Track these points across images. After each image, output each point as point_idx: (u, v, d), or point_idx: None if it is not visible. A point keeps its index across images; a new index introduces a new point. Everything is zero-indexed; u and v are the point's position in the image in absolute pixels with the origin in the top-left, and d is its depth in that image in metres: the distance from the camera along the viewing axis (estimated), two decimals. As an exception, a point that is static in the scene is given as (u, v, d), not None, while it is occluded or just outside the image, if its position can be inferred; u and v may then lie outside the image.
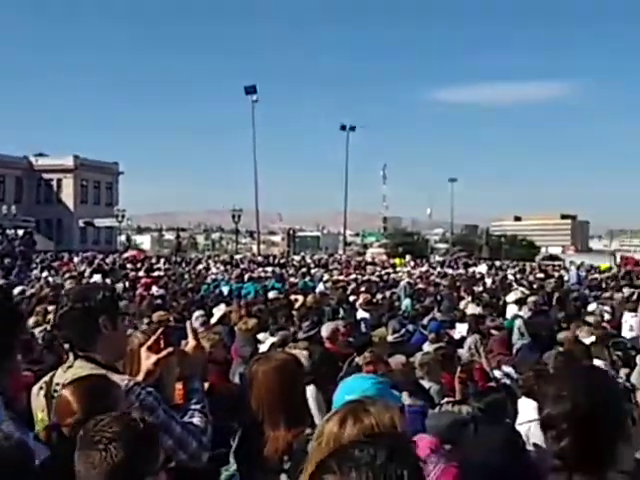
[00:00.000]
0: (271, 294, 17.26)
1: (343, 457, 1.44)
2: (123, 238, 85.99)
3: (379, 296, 17.73)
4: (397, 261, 51.02)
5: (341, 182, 75.86)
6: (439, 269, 41.46)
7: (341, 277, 29.42)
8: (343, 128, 74.20)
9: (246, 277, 25.20)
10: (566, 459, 2.03)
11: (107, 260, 34.40)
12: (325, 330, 9.37)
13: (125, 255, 43.26)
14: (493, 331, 10.40)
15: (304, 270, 33.73)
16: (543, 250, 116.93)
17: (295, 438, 3.04)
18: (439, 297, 18.80)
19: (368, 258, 57.94)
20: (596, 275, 32.84)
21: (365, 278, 28.16)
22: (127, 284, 21.75)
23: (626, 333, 12.98)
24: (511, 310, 14.58)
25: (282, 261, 46.15)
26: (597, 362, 8.35)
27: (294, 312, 12.44)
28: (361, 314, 13.83)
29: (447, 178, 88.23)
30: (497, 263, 50.69)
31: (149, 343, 3.23)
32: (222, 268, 34.55)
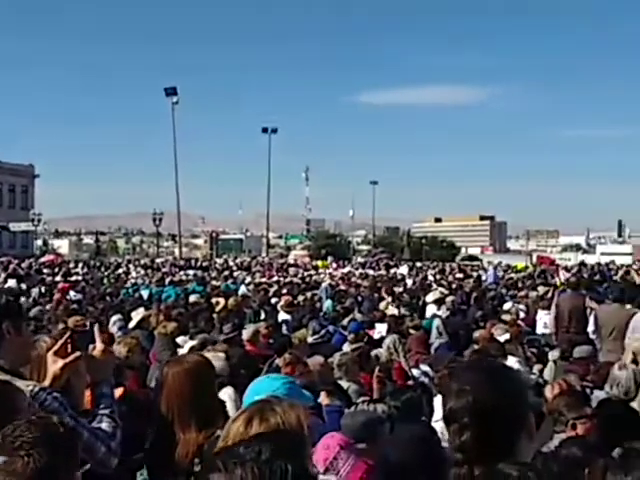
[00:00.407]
0: (192, 297, 17.10)
1: (228, 455, 1.43)
2: (40, 242, 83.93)
3: (301, 298, 17.75)
4: (320, 263, 51.30)
5: (264, 185, 75.71)
6: (361, 270, 41.81)
7: (263, 279, 29.42)
8: (265, 130, 74.17)
9: (167, 281, 24.92)
10: (467, 452, 2.06)
11: (23, 265, 33.43)
12: (246, 332, 9.37)
13: (42, 260, 42.12)
14: (412, 331, 10.54)
15: (226, 273, 33.56)
16: (463, 251, 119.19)
17: (206, 440, 3.02)
18: (360, 298, 18.97)
19: (291, 260, 58.04)
20: (512, 275, 33.66)
21: (287, 280, 28.22)
22: (43, 289, 21.24)
23: (540, 330, 13.34)
24: (430, 310, 14.83)
25: (204, 264, 45.81)
26: (511, 359, 8.57)
27: (215, 315, 12.37)
28: (283, 316, 13.85)
29: (369, 180, 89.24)
30: (418, 264, 51.37)
31: (55, 348, 3.15)
32: (142, 272, 34.07)
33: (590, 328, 10.36)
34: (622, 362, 6.03)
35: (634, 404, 5.83)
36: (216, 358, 5.67)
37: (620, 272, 26.77)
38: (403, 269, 40.57)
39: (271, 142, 74.57)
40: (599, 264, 34.70)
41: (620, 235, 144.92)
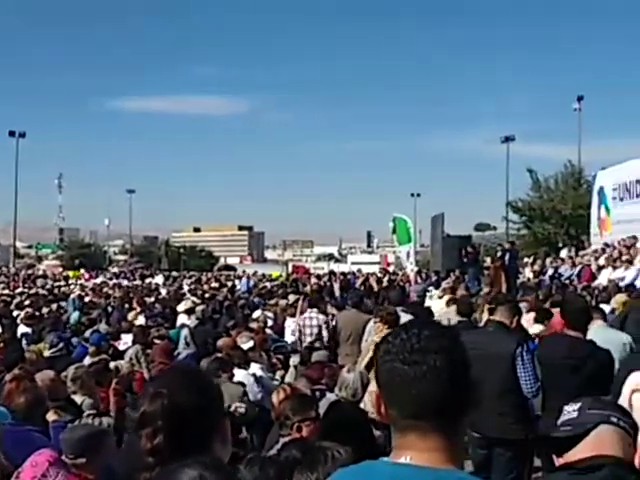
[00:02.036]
0: None
1: None
2: None
3: (45, 310, 16.89)
4: (71, 273, 49.33)
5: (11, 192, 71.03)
6: (115, 281, 40.71)
7: (6, 291, 27.69)
8: (12, 134, 69.66)
9: None
10: (159, 456, 2.03)
11: None
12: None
13: None
14: (157, 341, 10.36)
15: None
16: (222, 260, 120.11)
17: None
18: (110, 309, 18.43)
19: (40, 271, 55.17)
20: (267, 283, 34.39)
21: (33, 291, 26.77)
22: None
23: (288, 337, 13.69)
24: (181, 319, 14.70)
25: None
26: (254, 365, 8.71)
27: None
28: (23, 329, 13.11)
29: (126, 189, 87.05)
30: (175, 273, 50.97)
31: None
32: None
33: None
34: (350, 365, 6.31)
35: (362, 405, 6.15)
36: None
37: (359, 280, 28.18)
38: (158, 279, 40.07)
39: (19, 147, 70.09)
40: (343, 273, 36.45)
41: (369, 245, 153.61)
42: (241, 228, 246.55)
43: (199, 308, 15.18)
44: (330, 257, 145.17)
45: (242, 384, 7.54)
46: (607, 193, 27.76)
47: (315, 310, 11.31)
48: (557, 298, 11.95)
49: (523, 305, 11.01)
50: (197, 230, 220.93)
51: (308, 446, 3.31)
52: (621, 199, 26.62)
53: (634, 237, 21.63)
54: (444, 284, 12.99)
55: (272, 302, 19.18)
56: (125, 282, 38.86)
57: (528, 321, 10.24)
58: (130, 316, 15.32)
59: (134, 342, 10.54)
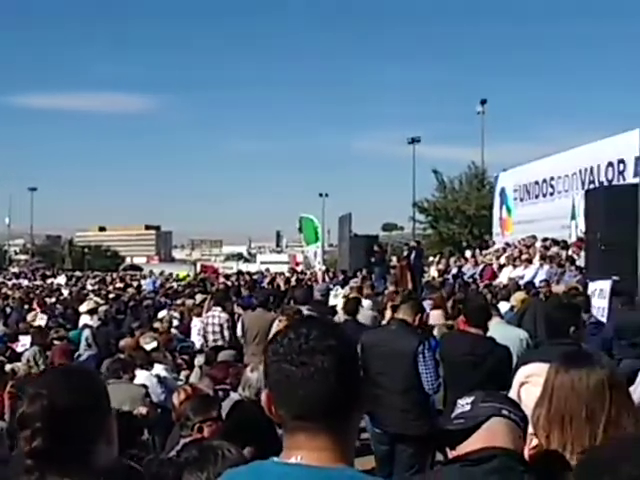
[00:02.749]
0: None
1: None
2: None
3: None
4: (-32, 274, 47.53)
5: None
6: (15, 281, 39.44)
7: None
8: None
9: None
10: (39, 459, 1.96)
11: None
12: None
13: None
14: (56, 342, 10.08)
15: None
16: (128, 260, 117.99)
17: None
18: (9, 310, 17.85)
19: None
20: (174, 283, 33.97)
21: None
22: None
23: (194, 337, 13.53)
24: (83, 320, 14.35)
25: None
26: (157, 366, 8.54)
27: None
28: None
29: (27, 187, 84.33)
30: (78, 274, 49.70)
31: None
32: None
33: (238, 333, 10.75)
34: (254, 364, 6.26)
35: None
36: None
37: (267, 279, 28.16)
38: (60, 279, 39.02)
39: None
40: (249, 273, 36.34)
41: (278, 245, 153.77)
42: (148, 227, 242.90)
43: (102, 309, 14.85)
44: (239, 257, 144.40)
45: (144, 385, 7.40)
46: (508, 194, 28.53)
47: (219, 309, 11.23)
48: (459, 297, 12.23)
49: (428, 303, 11.24)
50: (102, 229, 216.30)
51: (204, 446, 3.27)
52: (521, 200, 27.42)
53: (533, 237, 22.30)
54: (352, 283, 13.06)
55: (179, 302, 18.96)
56: (25, 282, 37.70)
57: (435, 317, 10.46)
58: (29, 317, 14.87)
59: (32, 344, 10.25)
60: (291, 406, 1.73)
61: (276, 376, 1.74)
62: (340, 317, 10.02)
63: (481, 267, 21.56)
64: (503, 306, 10.83)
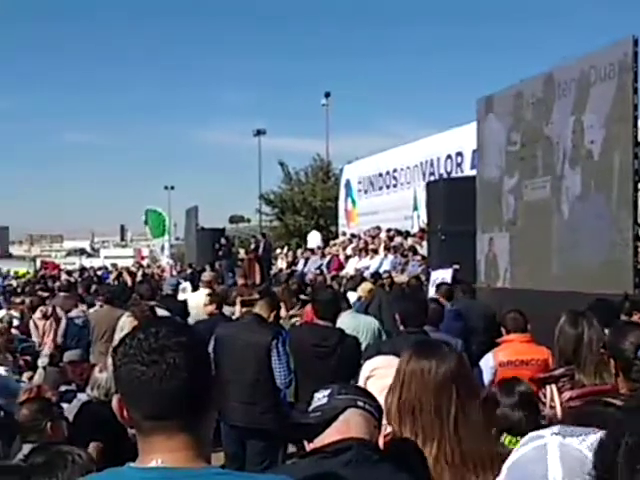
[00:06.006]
0: None
1: None
2: None
3: None
4: None
5: None
6: None
7: None
8: None
9: None
10: None
11: None
12: None
13: None
14: None
15: None
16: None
17: None
18: None
19: None
20: (12, 281, 32.53)
21: None
22: None
23: (35, 337, 13.02)
24: None
25: None
26: (0, 368, 8.17)
27: None
28: None
29: None
30: None
31: None
32: None
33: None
34: (103, 364, 6.10)
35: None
36: None
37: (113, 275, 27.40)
38: None
39: None
40: (92, 268, 35.32)
41: (123, 239, 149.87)
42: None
43: None
44: (82, 252, 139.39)
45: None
46: (353, 186, 29.12)
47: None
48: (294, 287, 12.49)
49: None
50: None
51: (53, 451, 3.15)
52: (365, 191, 28.08)
53: (378, 227, 22.91)
54: (203, 277, 12.92)
55: (18, 300, 18.13)
56: None
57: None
58: None
59: None
60: (145, 406, 1.69)
61: (127, 378, 1.70)
62: (199, 313, 9.84)
63: (328, 258, 21.94)
64: (351, 296, 11.07)
